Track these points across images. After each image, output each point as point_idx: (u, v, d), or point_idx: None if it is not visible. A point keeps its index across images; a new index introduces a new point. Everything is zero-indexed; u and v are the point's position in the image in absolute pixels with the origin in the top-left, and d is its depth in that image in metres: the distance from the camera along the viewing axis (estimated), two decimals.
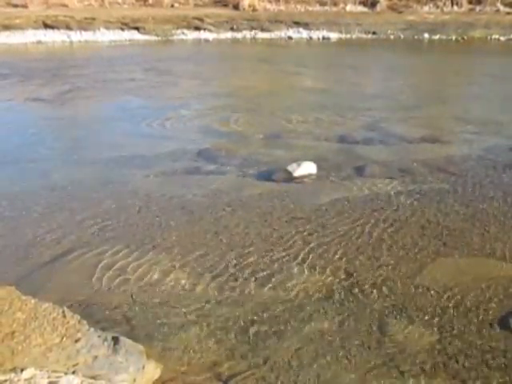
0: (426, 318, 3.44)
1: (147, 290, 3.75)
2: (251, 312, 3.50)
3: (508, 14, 22.12)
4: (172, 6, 23.08)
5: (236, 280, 3.86)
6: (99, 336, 2.85)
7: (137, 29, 19.29)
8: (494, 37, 20.04)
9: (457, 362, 3.06)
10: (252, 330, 3.32)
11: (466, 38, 19.88)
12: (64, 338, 2.69)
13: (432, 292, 3.71)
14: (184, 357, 3.10)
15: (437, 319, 3.42)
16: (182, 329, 3.33)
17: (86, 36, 18.45)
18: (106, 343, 2.82)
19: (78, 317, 2.87)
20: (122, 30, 19.13)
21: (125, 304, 3.58)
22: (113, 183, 5.71)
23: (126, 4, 22.84)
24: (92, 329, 2.87)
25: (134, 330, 3.31)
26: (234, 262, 4.10)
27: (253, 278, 3.87)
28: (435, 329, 3.33)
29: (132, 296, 3.67)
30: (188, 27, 20.00)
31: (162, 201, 5.25)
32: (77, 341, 2.72)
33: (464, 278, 3.88)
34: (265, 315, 3.47)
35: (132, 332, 3.27)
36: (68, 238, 4.46)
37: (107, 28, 18.92)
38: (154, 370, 2.92)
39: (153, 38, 19.05)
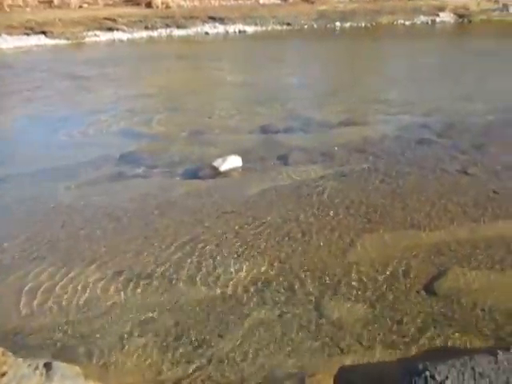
0: (359, 293, 3.59)
1: (79, 307, 3.58)
2: (191, 314, 3.46)
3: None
4: (80, 6, 21.98)
5: (172, 283, 3.79)
6: (29, 365, 2.69)
7: (44, 33, 18.16)
8: (399, 22, 21.21)
9: (391, 331, 3.23)
10: (193, 332, 3.28)
11: (374, 24, 20.86)
12: None
13: (362, 268, 3.87)
14: (125, 370, 3.00)
15: (369, 293, 3.58)
16: (120, 342, 3.22)
17: None
18: (37, 371, 2.67)
19: (1, 348, 2.68)
20: (27, 34, 17.90)
21: (57, 326, 3.39)
22: (32, 199, 5.36)
23: (28, 7, 21.40)
24: (20, 359, 2.70)
25: (68, 351, 3.16)
26: (168, 264, 4.02)
27: (189, 279, 3.82)
28: (368, 303, 3.48)
29: (64, 316, 3.48)
30: (100, 28, 19.18)
31: (87, 211, 5.02)
32: (3, 375, 2.54)
33: (390, 251, 4.08)
34: (205, 315, 3.44)
35: (67, 354, 3.11)
36: None
37: (9, 34, 17.63)
38: None
39: (62, 41, 18.05)
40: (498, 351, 2.58)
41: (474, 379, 2.35)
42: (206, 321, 3.38)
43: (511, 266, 3.79)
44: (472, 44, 16.26)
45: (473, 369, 2.42)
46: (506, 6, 22.02)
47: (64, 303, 3.61)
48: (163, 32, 19.71)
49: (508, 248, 4.03)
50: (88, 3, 22.43)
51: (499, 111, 7.87)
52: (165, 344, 3.20)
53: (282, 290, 3.65)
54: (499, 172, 5.51)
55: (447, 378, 2.35)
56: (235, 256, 4.09)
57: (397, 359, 2.98)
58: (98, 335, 3.28)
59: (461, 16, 21.49)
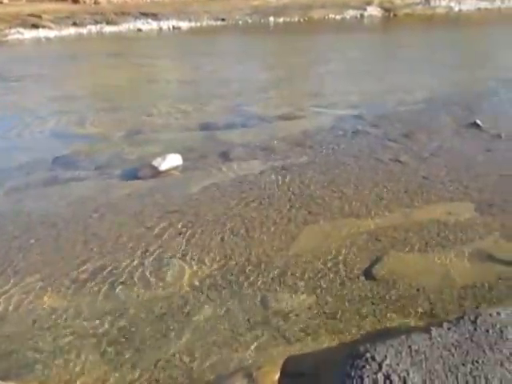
0: (303, 284, 3.67)
1: (14, 320, 3.39)
2: (134, 317, 3.38)
3: None
4: (0, 2, 20.72)
5: (113, 287, 3.69)
6: None
7: None
8: (330, 16, 21.83)
9: (334, 317, 3.33)
10: (138, 336, 3.22)
11: (307, 18, 21.32)
12: None
13: (305, 259, 3.96)
14: (68, 382, 2.88)
15: (312, 283, 3.67)
16: (59, 354, 3.08)
17: None
18: None
19: None
20: None
21: None
22: None
23: None
24: None
25: (4, 367, 2.98)
26: (109, 268, 3.90)
27: (132, 282, 3.74)
28: (312, 292, 3.57)
29: None
30: (23, 25, 18.15)
31: (19, 219, 4.76)
32: None
33: (330, 240, 4.21)
34: (150, 317, 3.38)
35: (2, 371, 2.94)
36: None
37: None
38: None
39: None
40: (432, 328, 2.75)
41: (411, 356, 2.49)
42: (150, 323, 3.32)
43: (441, 247, 4.04)
44: (398, 37, 17.05)
45: (409, 347, 2.56)
46: (427, 0, 23.27)
47: None
48: (93, 28, 19.02)
49: (438, 230, 4.29)
50: None
51: (425, 101, 8.36)
52: (108, 350, 3.11)
53: (228, 286, 3.66)
54: (427, 159, 5.85)
55: (386, 357, 2.48)
56: (180, 255, 4.05)
57: (341, 344, 3.09)
58: (33, 349, 3.13)
59: (387, 10, 22.48)
